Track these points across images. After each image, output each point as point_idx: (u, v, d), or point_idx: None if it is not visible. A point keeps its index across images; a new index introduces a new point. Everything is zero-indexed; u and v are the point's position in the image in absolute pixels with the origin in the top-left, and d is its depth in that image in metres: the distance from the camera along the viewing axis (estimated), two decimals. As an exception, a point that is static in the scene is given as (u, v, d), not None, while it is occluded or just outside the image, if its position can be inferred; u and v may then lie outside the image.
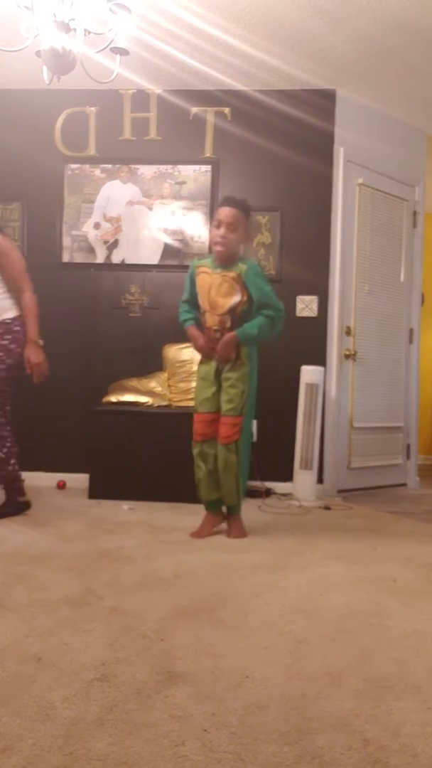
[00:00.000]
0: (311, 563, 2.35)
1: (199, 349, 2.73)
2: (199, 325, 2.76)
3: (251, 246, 2.76)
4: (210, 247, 2.68)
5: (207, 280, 2.67)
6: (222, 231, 2.58)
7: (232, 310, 2.62)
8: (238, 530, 2.72)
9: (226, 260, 2.63)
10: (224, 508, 2.79)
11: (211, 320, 2.67)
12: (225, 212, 2.60)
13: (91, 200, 3.93)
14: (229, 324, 2.62)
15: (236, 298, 2.61)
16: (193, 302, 2.79)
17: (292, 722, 1.23)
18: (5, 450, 2.96)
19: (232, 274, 2.61)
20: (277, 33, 3.23)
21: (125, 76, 3.67)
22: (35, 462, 3.94)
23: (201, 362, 2.77)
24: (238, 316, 2.62)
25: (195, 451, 2.73)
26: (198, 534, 2.72)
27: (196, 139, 3.90)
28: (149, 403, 3.56)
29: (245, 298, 2.61)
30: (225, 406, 2.64)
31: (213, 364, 2.69)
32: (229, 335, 2.59)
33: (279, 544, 2.63)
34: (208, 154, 3.91)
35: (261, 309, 2.61)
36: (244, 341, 2.61)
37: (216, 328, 2.65)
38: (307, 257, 3.85)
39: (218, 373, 2.69)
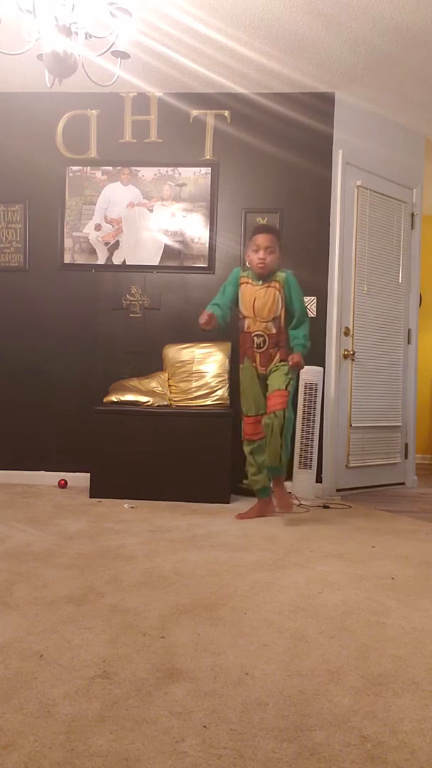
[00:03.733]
0: (310, 561, 2.36)
1: (201, 322, 3.05)
2: (222, 321, 3.10)
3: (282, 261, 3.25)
4: (251, 266, 3.08)
5: (251, 290, 3.07)
6: (261, 254, 2.99)
7: (276, 319, 3.03)
8: (285, 499, 3.07)
9: (265, 277, 3.05)
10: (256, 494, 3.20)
11: (254, 326, 3.06)
12: (262, 238, 3.01)
13: (92, 202, 3.94)
14: (274, 330, 3.04)
15: (280, 309, 3.03)
16: (225, 306, 3.12)
17: (291, 719, 1.25)
18: None
19: (274, 283, 3.03)
20: (276, 36, 3.25)
21: (126, 80, 3.69)
22: (37, 461, 3.97)
23: (242, 362, 3.14)
24: (282, 323, 3.04)
25: (248, 449, 3.11)
26: (244, 515, 3.09)
27: (196, 142, 3.92)
28: (150, 403, 3.58)
29: (284, 305, 3.04)
30: (275, 383, 3.02)
31: (254, 367, 3.09)
32: (298, 356, 2.97)
33: (278, 542, 2.64)
34: (208, 156, 3.92)
35: (296, 319, 3.04)
36: (305, 354, 3.04)
37: (260, 332, 3.04)
38: (306, 258, 3.87)
39: (261, 377, 3.10)
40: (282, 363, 3.04)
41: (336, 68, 3.56)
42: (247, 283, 3.07)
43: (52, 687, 1.34)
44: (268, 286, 3.03)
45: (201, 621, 1.73)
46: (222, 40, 3.29)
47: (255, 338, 3.06)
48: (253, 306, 3.04)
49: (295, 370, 3.02)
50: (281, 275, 3.04)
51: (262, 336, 3.04)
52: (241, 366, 3.16)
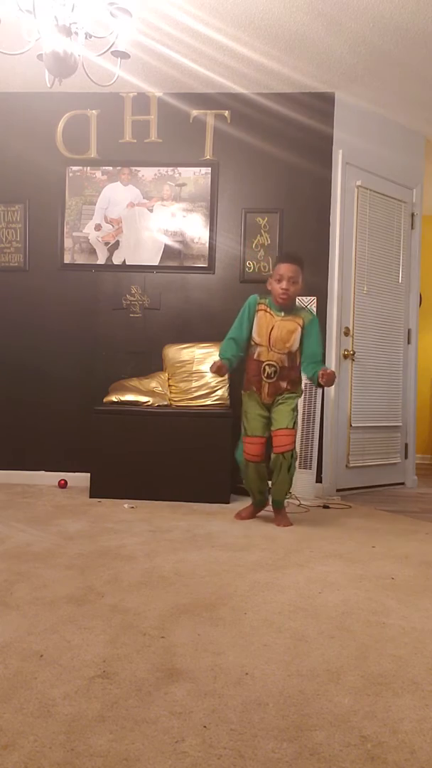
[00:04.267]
0: (310, 561, 2.36)
1: (212, 369, 2.98)
2: (235, 359, 3.03)
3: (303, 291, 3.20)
4: (273, 294, 2.99)
5: (268, 319, 2.99)
6: (284, 284, 2.92)
7: (292, 354, 2.98)
8: (285, 520, 3.03)
9: (287, 308, 2.98)
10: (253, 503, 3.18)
11: (268, 355, 2.98)
12: (286, 268, 2.93)
13: (92, 202, 3.95)
14: (287, 363, 2.98)
15: (297, 344, 2.98)
16: (242, 340, 3.03)
17: (291, 719, 1.25)
18: None
19: (298, 320, 2.98)
20: (276, 36, 3.25)
21: (126, 80, 3.69)
22: (37, 461, 3.97)
23: (245, 391, 3.08)
24: (297, 360, 3.01)
25: (249, 468, 3.02)
26: (241, 515, 3.12)
27: (196, 142, 3.92)
28: (150, 403, 3.58)
29: (300, 342, 3.00)
30: (284, 421, 2.95)
31: (258, 396, 3.01)
32: (331, 372, 2.86)
33: (278, 542, 2.64)
34: (208, 156, 3.92)
35: (310, 354, 2.98)
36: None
37: (272, 363, 2.97)
38: (306, 258, 3.84)
39: (265, 405, 3.02)
40: (289, 396, 2.98)
41: (336, 68, 3.57)
42: (266, 311, 2.99)
43: (52, 687, 1.34)
44: (291, 320, 2.96)
45: (201, 621, 1.73)
46: (222, 40, 3.29)
47: (267, 367, 2.97)
48: (270, 335, 2.96)
49: (329, 383, 2.88)
50: (308, 315, 2.99)
51: (274, 366, 2.96)
52: (244, 392, 3.08)
